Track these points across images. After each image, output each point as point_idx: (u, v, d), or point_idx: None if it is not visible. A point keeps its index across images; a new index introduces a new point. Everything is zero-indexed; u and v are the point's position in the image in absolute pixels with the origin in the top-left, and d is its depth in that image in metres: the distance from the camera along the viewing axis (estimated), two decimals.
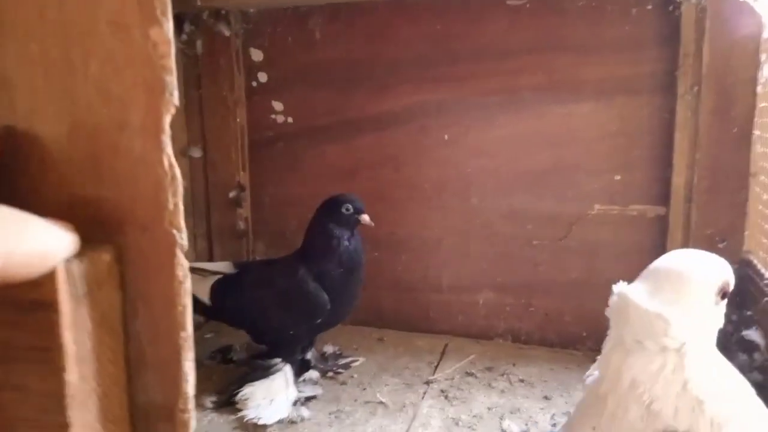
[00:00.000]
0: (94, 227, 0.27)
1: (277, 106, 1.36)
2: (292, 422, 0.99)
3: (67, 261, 0.25)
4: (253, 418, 0.98)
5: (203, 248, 1.45)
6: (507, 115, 1.22)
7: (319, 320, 1.06)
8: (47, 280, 0.24)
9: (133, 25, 0.26)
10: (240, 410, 1.00)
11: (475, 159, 1.25)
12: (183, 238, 0.26)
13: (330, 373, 1.15)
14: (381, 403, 1.05)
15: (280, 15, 1.32)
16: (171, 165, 0.26)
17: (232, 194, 1.40)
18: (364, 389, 1.10)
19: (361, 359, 1.21)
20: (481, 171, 1.25)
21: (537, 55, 1.17)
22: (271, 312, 1.07)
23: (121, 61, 0.27)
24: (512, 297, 1.27)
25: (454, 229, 1.29)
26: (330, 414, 1.02)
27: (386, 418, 1.01)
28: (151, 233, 0.26)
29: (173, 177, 0.26)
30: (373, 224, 1.08)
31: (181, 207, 0.26)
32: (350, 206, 1.06)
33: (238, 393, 1.02)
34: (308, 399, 1.06)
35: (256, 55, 1.35)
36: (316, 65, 1.32)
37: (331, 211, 1.08)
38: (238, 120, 1.37)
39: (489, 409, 1.03)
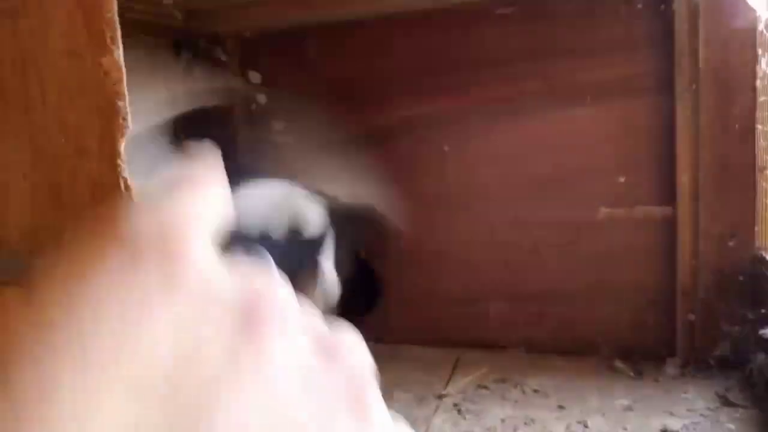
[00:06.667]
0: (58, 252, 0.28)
1: (278, 126, 1.37)
2: None
3: None
4: None
5: None
6: (507, 123, 1.21)
7: None
8: None
9: (86, 53, 0.27)
10: None
11: (477, 168, 1.25)
12: None
13: None
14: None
15: (276, 37, 1.33)
16: (127, 187, 0.27)
17: None
18: None
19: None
20: (484, 180, 1.25)
21: (532, 62, 1.17)
22: None
23: (77, 90, 0.28)
24: (523, 306, 1.26)
25: (459, 240, 1.28)
26: None
27: None
28: None
29: (130, 199, 0.27)
30: None
31: None
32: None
33: None
34: None
35: (254, 77, 1.36)
36: (314, 84, 1.33)
37: None
38: (239, 143, 1.38)
39: (502, 420, 1.02)
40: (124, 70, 0.26)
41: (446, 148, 1.26)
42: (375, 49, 1.28)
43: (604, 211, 1.18)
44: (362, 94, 1.30)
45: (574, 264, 1.21)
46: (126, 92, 0.26)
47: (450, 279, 1.30)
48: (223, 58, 1.34)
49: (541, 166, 1.21)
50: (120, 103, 0.27)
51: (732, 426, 0.94)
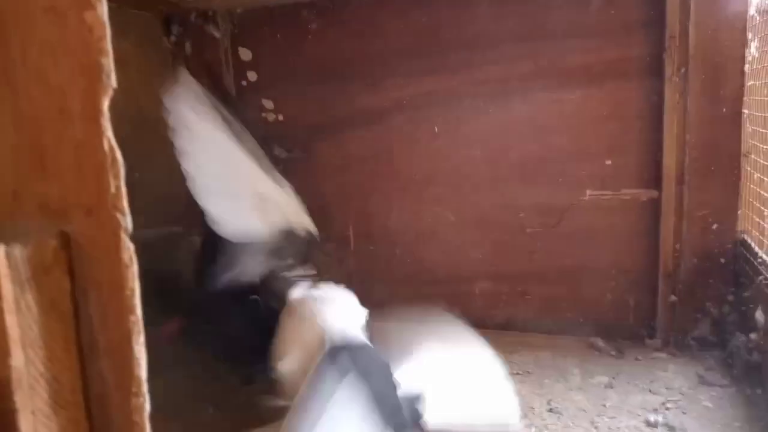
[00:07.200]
0: (42, 215, 0.28)
1: (267, 104, 1.36)
2: None
3: (10, 246, 0.25)
4: None
5: None
6: (496, 104, 1.21)
7: None
8: None
9: (68, 10, 0.26)
10: None
11: (466, 149, 1.25)
12: (127, 221, 0.26)
13: None
14: None
15: (267, 14, 1.32)
16: (112, 148, 0.26)
17: None
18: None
19: None
20: (473, 161, 1.25)
21: (524, 43, 1.17)
22: None
23: (59, 48, 0.27)
24: (508, 286, 1.27)
25: (447, 220, 1.29)
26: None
27: None
28: (95, 218, 0.27)
29: (114, 160, 0.26)
30: None
31: (124, 190, 0.26)
32: None
33: None
34: None
35: (245, 54, 1.35)
36: (305, 62, 1.32)
37: None
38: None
39: None
40: (108, 25, 0.26)
41: (436, 129, 1.26)
42: (367, 28, 1.27)
43: (590, 193, 1.19)
44: (354, 74, 1.29)
45: (559, 245, 1.22)
46: (110, 49, 0.26)
47: (436, 258, 1.31)
48: (215, 33, 1.32)
49: (529, 148, 1.21)
50: (103, 60, 0.26)
51: (710, 404, 0.96)
